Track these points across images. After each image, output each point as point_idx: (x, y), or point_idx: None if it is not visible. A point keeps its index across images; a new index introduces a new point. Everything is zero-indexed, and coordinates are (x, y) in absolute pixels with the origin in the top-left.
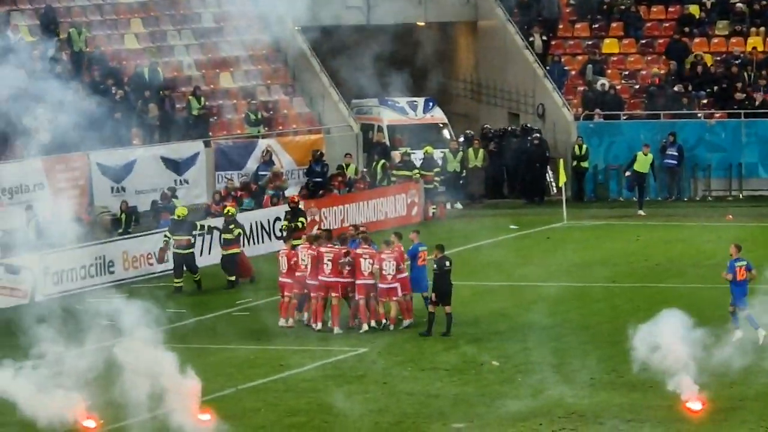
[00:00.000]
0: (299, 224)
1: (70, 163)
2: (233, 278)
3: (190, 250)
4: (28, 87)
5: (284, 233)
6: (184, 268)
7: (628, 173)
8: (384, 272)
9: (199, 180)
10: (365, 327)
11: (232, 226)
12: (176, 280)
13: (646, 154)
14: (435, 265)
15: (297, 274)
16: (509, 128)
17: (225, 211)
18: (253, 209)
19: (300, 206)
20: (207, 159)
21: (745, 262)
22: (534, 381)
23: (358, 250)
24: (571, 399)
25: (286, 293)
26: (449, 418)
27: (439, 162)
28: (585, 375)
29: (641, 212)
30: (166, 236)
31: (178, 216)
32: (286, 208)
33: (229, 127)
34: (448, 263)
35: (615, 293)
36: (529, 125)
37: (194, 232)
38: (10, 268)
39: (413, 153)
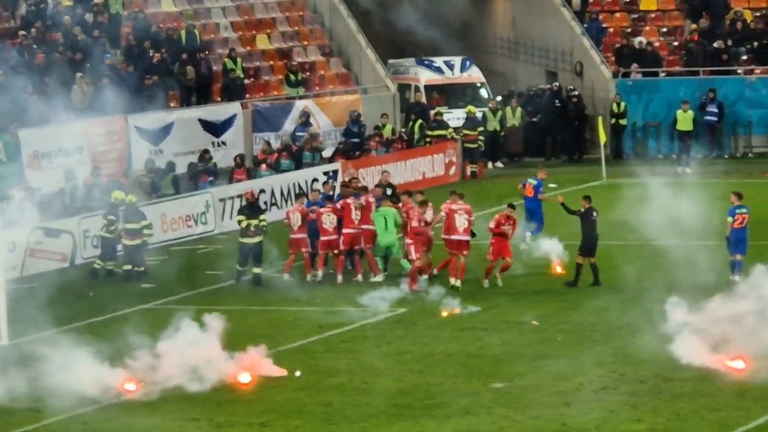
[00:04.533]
0: (262, 224)
1: (109, 126)
2: (139, 268)
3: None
4: (66, 51)
5: (242, 228)
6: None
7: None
8: (457, 226)
9: (237, 142)
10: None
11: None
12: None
13: (685, 111)
14: (582, 215)
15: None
16: (537, 87)
17: (126, 200)
18: (292, 170)
19: (258, 202)
20: (244, 121)
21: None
22: (574, 340)
23: (453, 206)
24: (611, 358)
25: (303, 249)
26: (489, 378)
27: (481, 121)
28: (625, 333)
29: (687, 170)
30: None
31: (119, 201)
32: (320, 169)
33: (266, 88)
34: (595, 214)
35: (655, 251)
36: (557, 84)
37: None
38: (50, 231)
39: (450, 113)
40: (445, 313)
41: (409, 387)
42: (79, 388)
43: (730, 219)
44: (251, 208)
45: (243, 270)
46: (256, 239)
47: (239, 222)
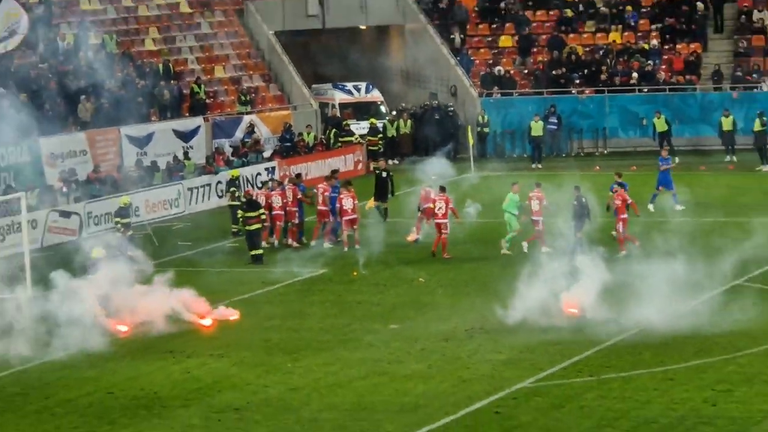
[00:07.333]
0: (262, 215)
1: (106, 135)
2: None
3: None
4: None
5: (242, 222)
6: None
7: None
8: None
9: (201, 146)
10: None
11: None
12: None
13: (537, 122)
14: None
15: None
16: (426, 105)
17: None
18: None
19: (254, 198)
20: (206, 131)
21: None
22: (452, 293)
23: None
24: (480, 305)
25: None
26: (387, 320)
27: (381, 130)
28: (492, 287)
29: (539, 165)
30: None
31: (124, 204)
32: (263, 166)
33: (222, 106)
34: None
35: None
36: (436, 102)
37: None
38: (63, 213)
39: (357, 124)
40: (354, 273)
41: (328, 327)
42: (75, 335)
43: (610, 193)
44: (249, 203)
45: (257, 254)
46: (255, 226)
47: (240, 217)
